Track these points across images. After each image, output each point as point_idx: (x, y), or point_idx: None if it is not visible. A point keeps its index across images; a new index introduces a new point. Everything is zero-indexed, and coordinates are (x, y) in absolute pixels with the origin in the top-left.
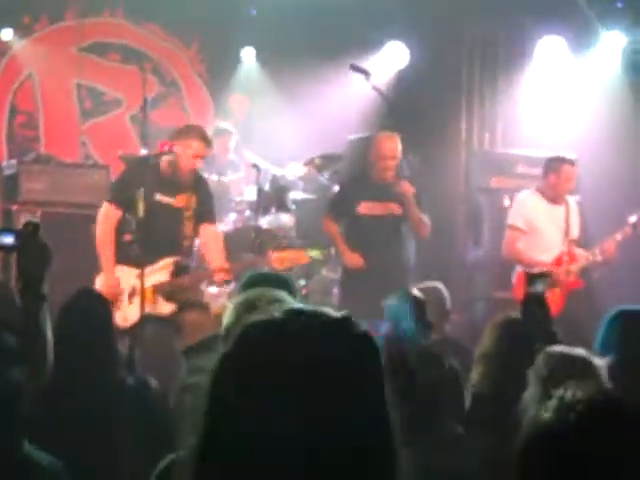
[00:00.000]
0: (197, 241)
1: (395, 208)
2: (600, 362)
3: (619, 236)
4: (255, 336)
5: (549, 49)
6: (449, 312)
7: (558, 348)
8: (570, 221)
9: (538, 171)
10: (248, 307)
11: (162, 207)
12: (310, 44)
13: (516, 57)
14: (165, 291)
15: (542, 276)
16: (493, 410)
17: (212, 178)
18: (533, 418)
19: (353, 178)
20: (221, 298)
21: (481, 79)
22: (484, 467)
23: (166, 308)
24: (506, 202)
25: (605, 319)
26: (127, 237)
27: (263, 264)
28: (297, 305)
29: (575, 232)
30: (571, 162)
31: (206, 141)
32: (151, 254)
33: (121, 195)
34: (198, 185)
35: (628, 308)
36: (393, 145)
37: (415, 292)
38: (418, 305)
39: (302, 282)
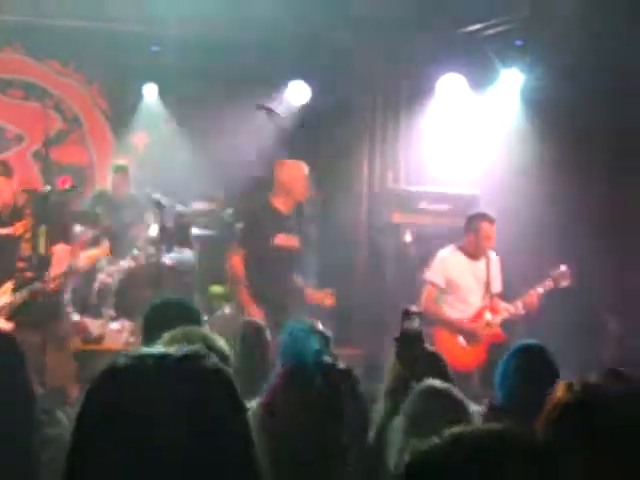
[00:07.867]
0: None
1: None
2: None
3: (541, 289)
4: (100, 384)
5: (450, 86)
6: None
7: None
8: (491, 275)
9: (440, 207)
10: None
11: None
12: (213, 81)
13: (418, 95)
14: (7, 312)
15: (417, 313)
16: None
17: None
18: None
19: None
20: (123, 333)
21: (384, 117)
22: None
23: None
24: (407, 238)
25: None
26: None
27: None
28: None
29: (497, 286)
30: (489, 220)
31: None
32: None
33: None
34: (34, 207)
35: (524, 343)
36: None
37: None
38: None
39: (204, 318)
